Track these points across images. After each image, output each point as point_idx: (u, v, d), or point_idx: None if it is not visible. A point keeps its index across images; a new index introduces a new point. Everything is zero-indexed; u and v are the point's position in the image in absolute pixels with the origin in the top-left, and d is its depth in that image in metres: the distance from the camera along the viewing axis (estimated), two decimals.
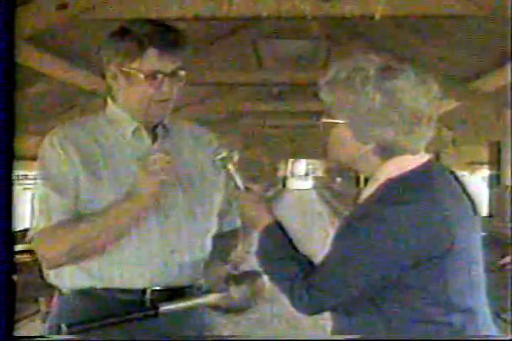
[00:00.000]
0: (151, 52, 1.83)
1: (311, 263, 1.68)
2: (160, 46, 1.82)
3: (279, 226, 1.75)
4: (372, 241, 1.57)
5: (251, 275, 1.81)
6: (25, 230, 1.93)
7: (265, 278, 1.79)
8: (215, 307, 1.80)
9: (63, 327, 1.73)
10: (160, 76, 1.84)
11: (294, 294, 1.63)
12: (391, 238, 1.56)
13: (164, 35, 1.84)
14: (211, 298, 1.78)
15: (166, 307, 1.77)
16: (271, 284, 1.76)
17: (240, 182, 1.82)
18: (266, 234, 1.74)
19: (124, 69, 1.86)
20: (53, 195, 1.89)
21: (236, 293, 1.77)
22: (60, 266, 1.93)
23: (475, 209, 1.68)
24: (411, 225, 1.55)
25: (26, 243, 1.94)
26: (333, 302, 1.63)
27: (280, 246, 1.71)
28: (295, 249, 1.71)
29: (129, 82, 1.86)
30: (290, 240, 1.72)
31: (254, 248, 1.74)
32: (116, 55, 1.86)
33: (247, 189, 1.83)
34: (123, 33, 1.86)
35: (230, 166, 1.84)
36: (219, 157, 1.84)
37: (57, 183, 1.90)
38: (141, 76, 1.84)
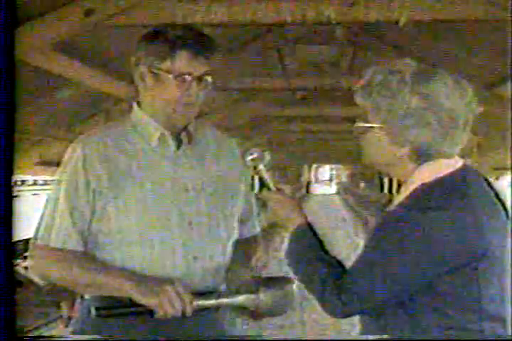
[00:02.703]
0: (183, 54, 1.85)
1: (341, 266, 1.68)
2: (192, 49, 1.84)
3: (309, 227, 1.75)
4: (405, 247, 1.56)
5: (282, 281, 1.81)
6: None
7: (295, 285, 1.79)
8: (242, 309, 1.80)
9: (92, 310, 1.76)
10: (188, 79, 1.86)
11: (325, 297, 1.63)
12: (424, 243, 1.55)
13: (197, 39, 1.86)
14: (240, 298, 1.79)
15: (196, 303, 1.78)
16: (300, 291, 1.77)
17: (271, 182, 1.83)
18: (297, 235, 1.74)
19: (153, 69, 1.87)
20: (63, 211, 1.89)
21: (265, 296, 1.78)
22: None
23: (507, 215, 1.67)
24: (445, 231, 1.55)
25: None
26: (364, 307, 1.63)
27: (310, 247, 1.71)
28: (325, 251, 1.71)
29: (157, 83, 1.88)
30: (320, 242, 1.72)
31: (281, 253, 1.74)
32: (147, 55, 1.87)
33: (277, 189, 1.83)
34: (156, 34, 1.88)
35: (261, 167, 1.84)
36: (250, 157, 1.84)
37: (71, 200, 1.89)
38: (171, 76, 1.85)
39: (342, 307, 1.61)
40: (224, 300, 1.81)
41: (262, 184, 1.85)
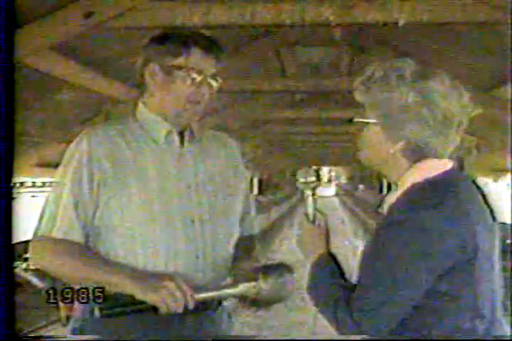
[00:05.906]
0: (196, 52, 1.88)
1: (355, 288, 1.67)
2: (204, 47, 1.88)
3: (331, 257, 1.76)
4: (406, 249, 1.57)
5: (281, 268, 1.82)
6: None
7: (295, 272, 1.80)
8: (243, 298, 1.82)
9: (96, 311, 1.76)
10: (199, 78, 1.88)
11: (338, 318, 1.62)
12: (425, 242, 1.56)
13: (207, 39, 1.89)
14: (241, 287, 1.80)
15: (197, 296, 1.79)
16: (299, 291, 1.77)
17: (311, 213, 1.83)
18: (317, 265, 1.74)
19: (165, 66, 1.89)
20: (67, 202, 1.89)
21: (265, 284, 1.79)
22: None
23: (493, 216, 1.70)
24: (442, 228, 1.56)
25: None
26: (376, 322, 1.61)
27: (330, 276, 1.71)
28: (344, 279, 1.71)
29: (169, 80, 1.90)
30: (341, 271, 1.73)
31: (280, 255, 1.74)
32: (158, 53, 1.90)
33: (313, 222, 1.83)
34: (167, 35, 1.91)
35: (315, 194, 1.84)
36: (302, 180, 1.84)
37: (75, 193, 1.90)
38: (183, 72, 1.87)
39: (354, 326, 1.60)
40: (225, 291, 1.82)
41: (261, 187, 1.85)
